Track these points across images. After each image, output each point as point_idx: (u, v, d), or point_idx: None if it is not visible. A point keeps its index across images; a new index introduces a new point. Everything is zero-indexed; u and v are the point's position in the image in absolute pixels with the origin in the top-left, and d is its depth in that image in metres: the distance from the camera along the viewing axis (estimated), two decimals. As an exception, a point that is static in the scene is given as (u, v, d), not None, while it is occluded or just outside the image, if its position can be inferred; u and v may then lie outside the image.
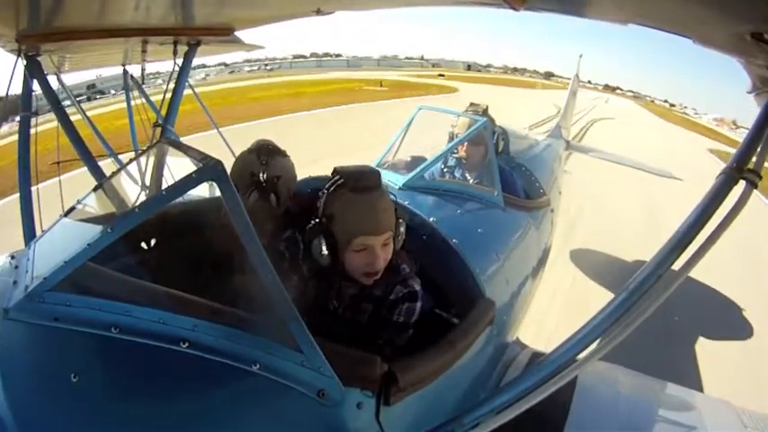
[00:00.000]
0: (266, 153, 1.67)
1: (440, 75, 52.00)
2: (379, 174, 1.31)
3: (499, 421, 1.11)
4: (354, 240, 1.24)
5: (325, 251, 1.25)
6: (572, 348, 1.12)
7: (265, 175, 1.64)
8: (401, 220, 1.33)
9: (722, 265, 4.85)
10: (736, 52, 1.07)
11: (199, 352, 0.92)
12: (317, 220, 1.29)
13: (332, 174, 1.32)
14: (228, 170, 0.98)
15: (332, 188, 1.28)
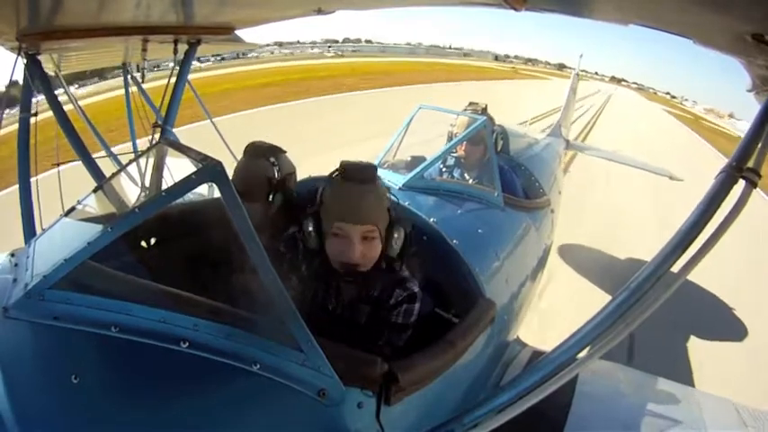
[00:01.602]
0: (272, 153, 1.66)
1: (513, 68, 67.32)
2: (375, 170, 1.31)
3: (500, 421, 1.11)
4: (333, 224, 1.28)
5: (311, 231, 1.31)
6: (572, 347, 1.12)
7: (279, 175, 1.64)
8: (399, 225, 1.32)
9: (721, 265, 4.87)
10: (736, 53, 1.07)
11: (199, 352, 0.92)
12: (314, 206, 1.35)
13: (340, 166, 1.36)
14: (231, 176, 0.98)
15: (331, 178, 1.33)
